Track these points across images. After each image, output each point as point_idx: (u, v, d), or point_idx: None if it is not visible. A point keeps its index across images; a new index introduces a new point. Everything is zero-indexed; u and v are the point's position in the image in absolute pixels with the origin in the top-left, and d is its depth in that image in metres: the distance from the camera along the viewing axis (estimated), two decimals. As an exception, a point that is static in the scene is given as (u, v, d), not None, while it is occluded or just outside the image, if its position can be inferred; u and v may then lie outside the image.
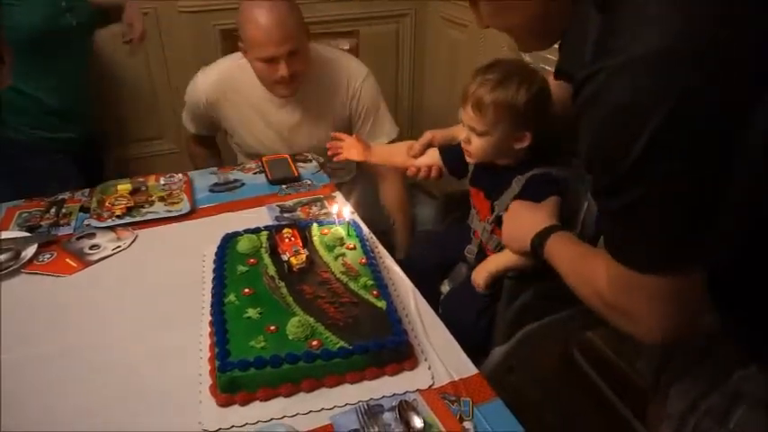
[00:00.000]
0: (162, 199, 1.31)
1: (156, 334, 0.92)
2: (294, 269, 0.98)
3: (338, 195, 1.35)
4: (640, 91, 0.54)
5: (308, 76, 1.53)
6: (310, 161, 1.53)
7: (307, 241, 1.05)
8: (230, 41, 2.27)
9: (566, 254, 0.89)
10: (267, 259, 1.01)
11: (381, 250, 1.13)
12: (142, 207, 1.28)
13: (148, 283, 1.05)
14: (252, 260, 1.01)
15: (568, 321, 1.20)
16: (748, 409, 0.73)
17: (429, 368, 0.84)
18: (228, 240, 1.08)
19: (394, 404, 0.79)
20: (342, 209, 1.12)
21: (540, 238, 0.95)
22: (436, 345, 0.89)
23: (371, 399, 0.80)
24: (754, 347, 0.73)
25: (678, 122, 0.53)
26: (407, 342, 0.85)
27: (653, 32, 0.54)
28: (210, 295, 0.95)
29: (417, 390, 0.81)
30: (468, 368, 0.85)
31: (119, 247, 1.15)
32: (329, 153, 1.40)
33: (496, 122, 1.07)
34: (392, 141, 1.65)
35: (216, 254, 1.04)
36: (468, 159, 1.17)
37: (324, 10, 2.28)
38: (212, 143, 1.84)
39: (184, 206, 1.28)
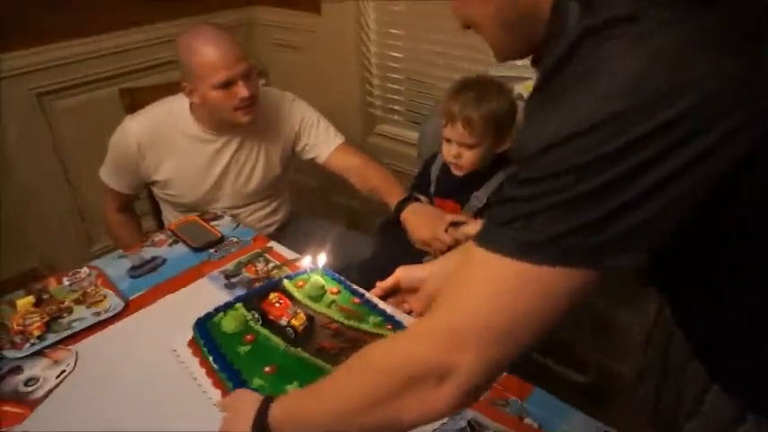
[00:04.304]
0: (78, 301, 1.13)
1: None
2: (299, 331, 0.94)
3: (274, 245, 1.30)
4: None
5: None
6: (221, 217, 1.44)
7: (292, 299, 1.02)
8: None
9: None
10: (264, 330, 0.96)
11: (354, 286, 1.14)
12: (60, 318, 1.09)
13: (127, 392, 0.92)
14: (248, 336, 0.94)
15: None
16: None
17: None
18: (203, 325, 0.98)
19: (463, 425, 0.82)
20: (312, 256, 1.10)
21: None
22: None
23: (437, 428, 0.82)
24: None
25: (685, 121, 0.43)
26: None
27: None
28: (222, 391, 0.87)
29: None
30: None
31: (63, 371, 0.97)
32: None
33: (485, 134, 1.20)
34: (343, 144, 1.58)
35: (202, 344, 0.94)
36: (456, 172, 1.27)
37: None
38: (133, 210, 1.62)
39: (114, 302, 1.12)
